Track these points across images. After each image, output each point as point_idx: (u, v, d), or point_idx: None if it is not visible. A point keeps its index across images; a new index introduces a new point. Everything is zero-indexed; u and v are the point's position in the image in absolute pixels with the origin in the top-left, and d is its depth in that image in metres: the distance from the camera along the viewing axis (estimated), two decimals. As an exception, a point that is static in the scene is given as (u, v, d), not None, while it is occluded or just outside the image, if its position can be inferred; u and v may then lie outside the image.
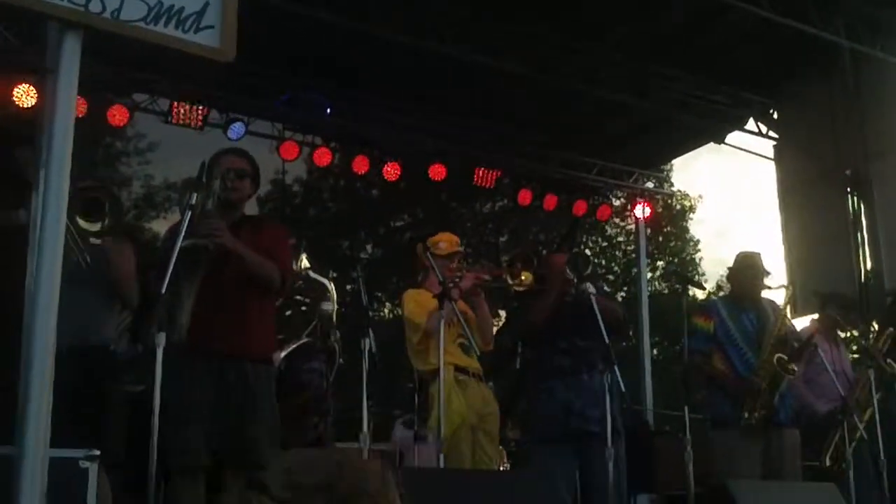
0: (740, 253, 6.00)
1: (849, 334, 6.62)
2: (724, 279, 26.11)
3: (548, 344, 5.24)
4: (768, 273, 5.81)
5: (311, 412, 5.89)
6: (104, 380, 4.56)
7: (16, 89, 7.33)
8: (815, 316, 6.60)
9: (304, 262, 6.19)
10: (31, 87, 7.34)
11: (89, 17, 2.40)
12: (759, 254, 5.93)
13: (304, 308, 6.36)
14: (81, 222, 4.12)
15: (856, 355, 6.59)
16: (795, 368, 5.48)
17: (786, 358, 5.46)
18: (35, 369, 2.25)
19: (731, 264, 6.04)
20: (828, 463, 5.87)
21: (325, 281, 6.40)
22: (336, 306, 6.41)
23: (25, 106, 7.33)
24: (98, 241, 4.42)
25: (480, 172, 10.10)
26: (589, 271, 5.17)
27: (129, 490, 4.31)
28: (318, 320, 6.24)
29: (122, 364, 5.09)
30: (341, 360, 6.40)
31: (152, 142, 20.69)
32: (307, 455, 3.14)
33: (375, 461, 1.74)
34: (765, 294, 5.86)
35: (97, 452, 2.63)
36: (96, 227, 4.25)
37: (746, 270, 5.83)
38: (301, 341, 6.02)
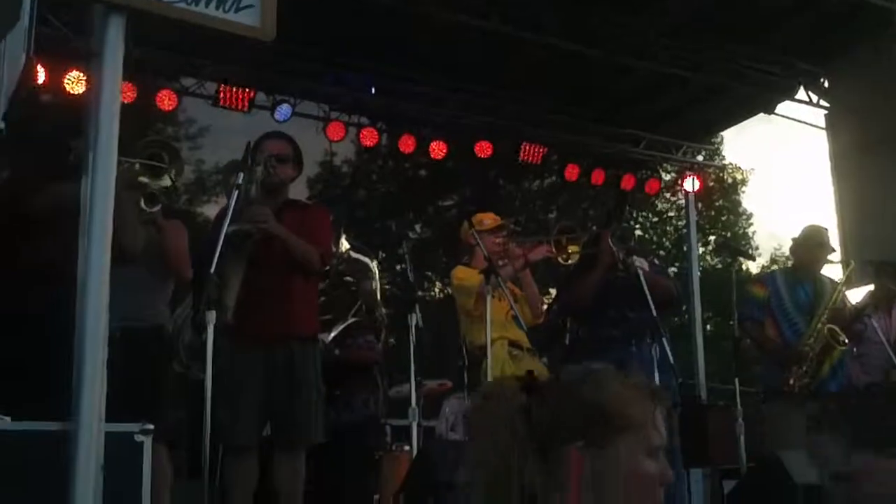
0: (807, 226, 5.96)
1: None
2: (777, 252, 26.00)
3: (598, 316, 5.26)
4: (833, 249, 5.78)
5: (360, 389, 5.96)
6: (159, 360, 4.58)
7: (66, 77, 7.45)
8: (870, 287, 6.50)
9: (344, 244, 6.25)
10: (81, 74, 7.45)
11: (132, 0, 2.44)
12: (825, 229, 5.90)
13: (353, 288, 6.41)
14: (149, 182, 4.15)
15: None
16: (846, 340, 5.42)
17: (837, 329, 5.40)
18: (88, 347, 2.30)
19: (792, 236, 6.01)
20: None
21: (367, 259, 6.45)
22: (378, 284, 6.47)
23: (75, 93, 7.44)
24: (154, 210, 4.42)
25: (527, 148, 10.04)
26: (633, 244, 5.16)
27: (188, 468, 4.42)
28: (362, 298, 6.30)
29: (178, 344, 5.19)
30: (392, 339, 6.44)
31: (202, 126, 20.95)
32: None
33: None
34: (825, 270, 5.83)
35: (151, 427, 2.68)
36: (164, 182, 4.27)
37: (809, 243, 5.80)
38: (348, 322, 6.09)
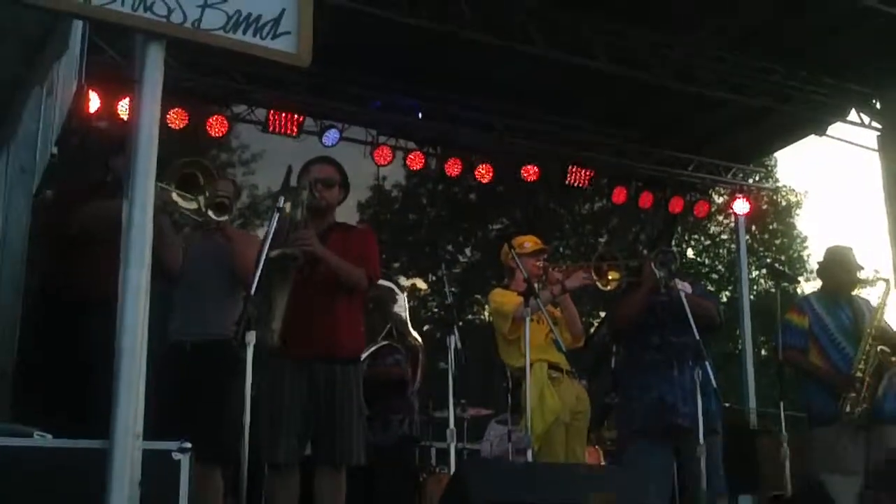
0: (830, 247, 5.87)
1: None
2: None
3: (640, 340, 5.24)
4: (861, 267, 5.66)
5: (395, 410, 5.99)
6: (225, 375, 4.44)
7: (120, 104, 7.63)
8: None
9: None
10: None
11: (171, 28, 2.49)
12: (850, 248, 5.78)
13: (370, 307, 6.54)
14: (179, 201, 4.19)
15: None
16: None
17: (888, 349, 5.29)
18: (124, 364, 2.33)
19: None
20: None
21: (390, 284, 6.51)
22: (406, 307, 6.55)
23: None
24: (221, 219, 4.44)
25: (574, 171, 10.04)
26: (676, 267, 5.13)
27: (226, 487, 4.47)
28: (391, 322, 6.38)
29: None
30: (443, 363, 6.47)
31: (255, 152, 21.24)
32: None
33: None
34: (858, 291, 5.72)
35: (189, 445, 2.72)
36: (193, 204, 4.29)
37: (838, 265, 5.69)
38: (378, 345, 6.16)
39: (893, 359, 5.32)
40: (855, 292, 5.75)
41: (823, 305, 5.58)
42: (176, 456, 2.80)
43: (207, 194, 4.22)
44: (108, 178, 4.56)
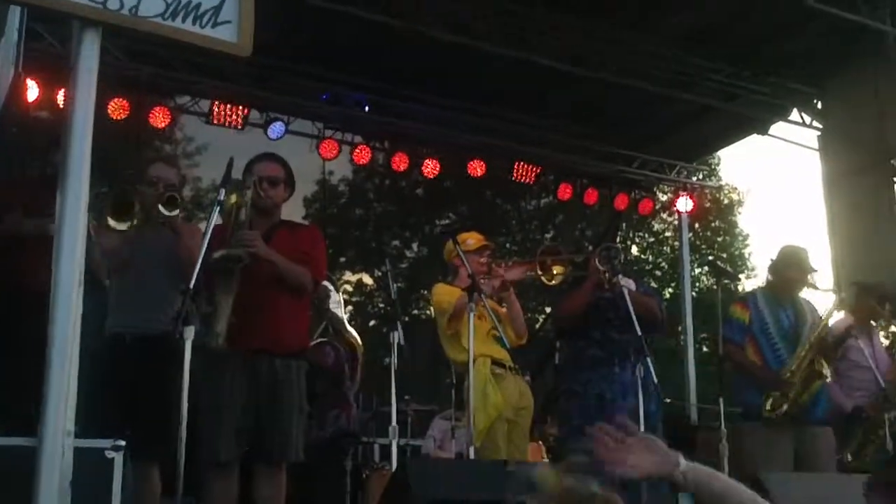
0: (786, 246, 5.91)
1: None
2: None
3: (583, 335, 5.28)
4: (813, 270, 5.74)
5: (331, 405, 5.96)
6: (167, 369, 4.32)
7: (59, 93, 7.45)
8: (847, 312, 6.45)
9: None
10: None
11: (108, 14, 2.43)
12: (805, 250, 5.85)
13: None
14: (111, 221, 4.14)
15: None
16: (828, 374, 5.41)
17: (822, 362, 5.39)
18: (55, 361, 2.28)
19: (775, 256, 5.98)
20: (849, 458, 5.78)
21: (326, 283, 6.50)
22: (342, 304, 6.54)
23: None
24: (172, 214, 4.38)
25: (520, 168, 10.07)
26: (621, 263, 5.16)
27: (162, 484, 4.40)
28: (326, 320, 6.36)
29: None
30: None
31: (199, 145, 21.00)
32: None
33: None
34: (804, 293, 5.79)
35: (122, 443, 2.66)
36: (123, 226, 4.26)
37: (789, 264, 5.74)
38: (314, 342, 6.14)
39: (825, 371, 5.41)
40: (802, 293, 5.82)
41: (767, 303, 5.64)
42: (109, 454, 2.74)
43: (137, 220, 4.19)
44: (49, 171, 4.46)
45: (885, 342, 6.57)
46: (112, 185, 4.34)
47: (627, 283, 5.09)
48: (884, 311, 6.31)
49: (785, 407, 5.31)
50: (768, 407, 5.31)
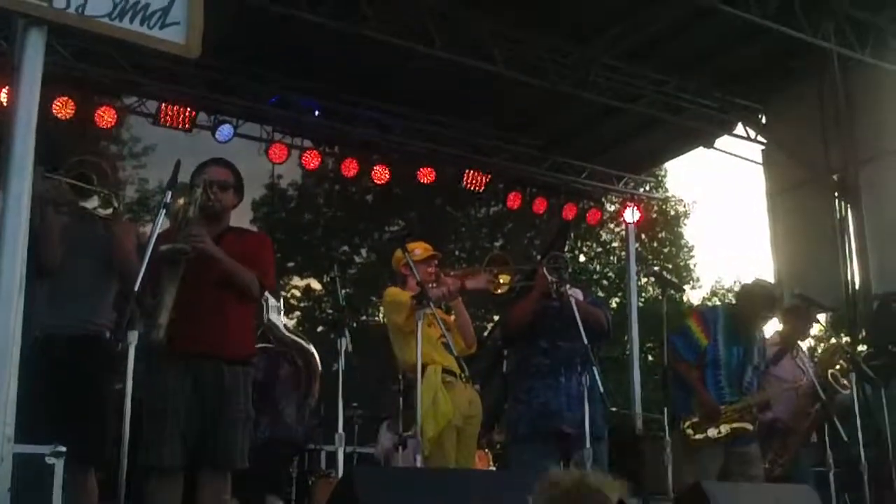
0: (757, 281, 6.06)
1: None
2: (717, 285, 26.42)
3: (529, 344, 5.29)
4: (777, 311, 5.91)
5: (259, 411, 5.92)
6: (101, 371, 4.35)
7: (2, 91, 7.31)
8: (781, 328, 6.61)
9: None
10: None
11: (53, 13, 2.40)
12: (775, 288, 6.01)
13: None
14: (74, 198, 4.05)
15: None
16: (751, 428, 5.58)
17: (750, 419, 5.56)
18: (-7, 365, 2.24)
19: (736, 279, 6.16)
20: (767, 465, 5.98)
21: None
22: (281, 312, 6.51)
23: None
24: (106, 213, 4.29)
25: (470, 175, 10.10)
26: (568, 272, 5.20)
27: (101, 490, 4.32)
28: (262, 327, 6.34)
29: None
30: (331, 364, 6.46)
31: (147, 146, 20.78)
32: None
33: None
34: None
35: (63, 449, 2.61)
36: (91, 202, 4.17)
37: (758, 302, 5.82)
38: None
39: (748, 427, 5.57)
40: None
41: (725, 335, 5.72)
42: (49, 460, 2.69)
43: (101, 195, 4.10)
44: None
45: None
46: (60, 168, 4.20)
47: (575, 293, 5.14)
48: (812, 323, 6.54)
49: (700, 437, 5.47)
50: (688, 429, 5.46)
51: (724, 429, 5.50)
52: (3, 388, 2.20)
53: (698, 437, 5.48)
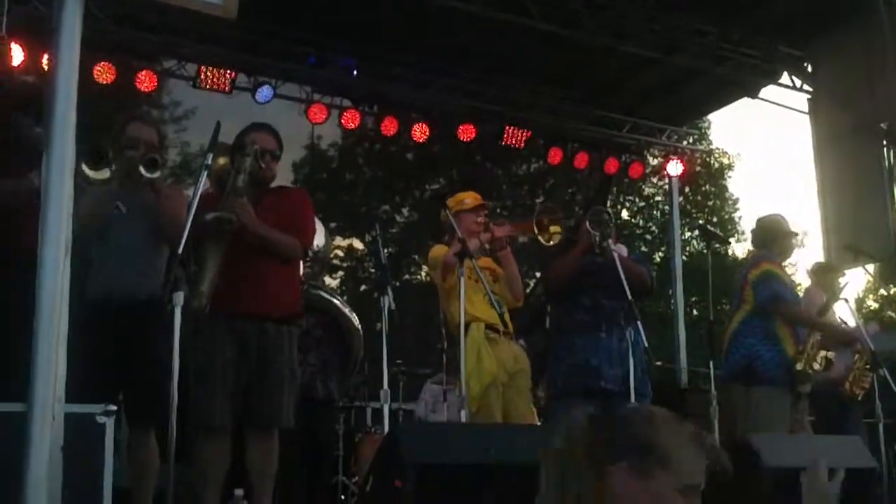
0: (769, 217, 5.97)
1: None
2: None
3: (571, 300, 5.27)
4: (795, 233, 5.83)
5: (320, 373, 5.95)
6: (156, 334, 4.30)
7: (45, 57, 7.37)
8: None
9: None
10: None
11: (91, -24, 2.40)
12: (781, 215, 5.94)
13: None
14: (88, 171, 4.07)
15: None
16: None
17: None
18: (43, 327, 2.27)
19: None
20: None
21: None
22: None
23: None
24: (153, 175, 4.29)
25: (510, 132, 10.02)
26: (611, 226, 5.16)
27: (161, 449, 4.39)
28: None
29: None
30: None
31: (188, 109, 20.88)
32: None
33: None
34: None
35: (114, 408, 2.65)
36: (102, 175, 4.17)
37: (781, 233, 5.78)
38: None
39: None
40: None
41: (785, 276, 5.72)
42: (100, 419, 2.73)
43: (115, 167, 4.10)
44: (11, 135, 4.38)
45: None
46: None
47: (619, 249, 5.10)
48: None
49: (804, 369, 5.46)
50: (800, 367, 5.43)
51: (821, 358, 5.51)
52: (53, 350, 2.23)
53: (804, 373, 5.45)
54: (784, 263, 5.87)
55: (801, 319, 5.67)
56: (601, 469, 1.73)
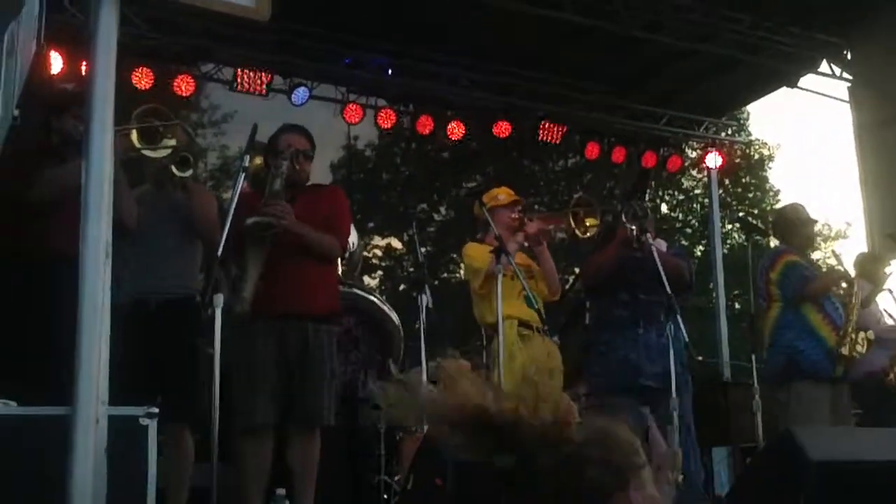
0: (788, 207, 5.92)
1: None
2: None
3: (610, 296, 5.25)
4: (815, 221, 5.77)
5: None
6: (193, 333, 4.37)
7: (84, 64, 7.46)
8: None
9: None
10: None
11: (125, -18, 2.42)
12: (800, 204, 5.88)
13: None
14: (146, 150, 4.11)
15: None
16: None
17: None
18: (86, 328, 2.28)
19: (830, 224, 6.02)
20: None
21: None
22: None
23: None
24: (185, 174, 4.37)
25: (546, 127, 9.98)
26: (647, 219, 5.12)
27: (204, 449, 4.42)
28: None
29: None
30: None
31: (226, 113, 21.03)
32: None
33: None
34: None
35: (156, 410, 2.67)
36: (161, 152, 4.23)
37: (801, 222, 5.70)
38: None
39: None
40: None
41: (808, 262, 5.63)
42: (143, 421, 2.75)
43: (173, 142, 4.14)
44: (54, 139, 4.45)
45: None
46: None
47: (658, 244, 5.07)
48: None
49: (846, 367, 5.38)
50: (839, 368, 5.36)
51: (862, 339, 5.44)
52: (95, 352, 2.24)
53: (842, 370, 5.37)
54: (809, 252, 5.78)
55: (829, 284, 5.59)
56: None
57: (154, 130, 4.18)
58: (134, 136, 4.15)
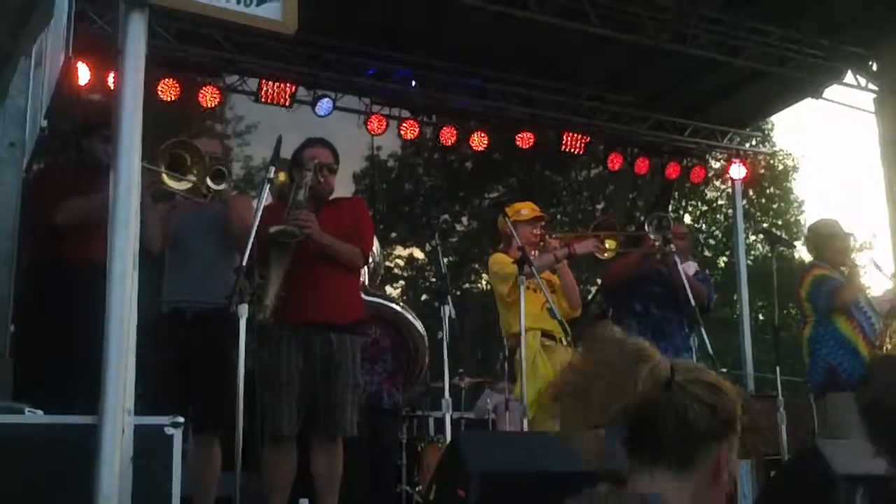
0: (821, 221, 5.86)
1: None
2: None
3: (624, 306, 5.25)
4: (849, 234, 5.71)
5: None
6: (227, 343, 4.24)
7: (111, 75, 7.54)
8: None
9: None
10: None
11: (154, -3, 2.45)
12: (835, 220, 5.82)
13: None
14: (170, 183, 4.17)
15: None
16: None
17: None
18: (113, 338, 2.31)
19: (855, 235, 5.94)
20: None
21: None
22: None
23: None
24: (220, 187, 4.40)
25: (569, 138, 9.98)
26: (671, 231, 5.12)
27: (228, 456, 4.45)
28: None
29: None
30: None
31: (250, 124, 21.16)
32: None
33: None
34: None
35: (181, 419, 2.69)
36: (184, 185, 4.29)
37: (834, 237, 5.67)
38: None
39: None
40: None
41: (838, 275, 5.58)
42: (168, 431, 2.77)
43: (196, 173, 4.20)
44: (86, 158, 4.50)
45: None
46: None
47: (688, 267, 5.07)
48: None
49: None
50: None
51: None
52: (122, 363, 2.27)
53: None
54: (843, 267, 5.71)
55: (855, 290, 5.55)
56: None
57: (182, 162, 4.23)
58: (163, 170, 4.21)
